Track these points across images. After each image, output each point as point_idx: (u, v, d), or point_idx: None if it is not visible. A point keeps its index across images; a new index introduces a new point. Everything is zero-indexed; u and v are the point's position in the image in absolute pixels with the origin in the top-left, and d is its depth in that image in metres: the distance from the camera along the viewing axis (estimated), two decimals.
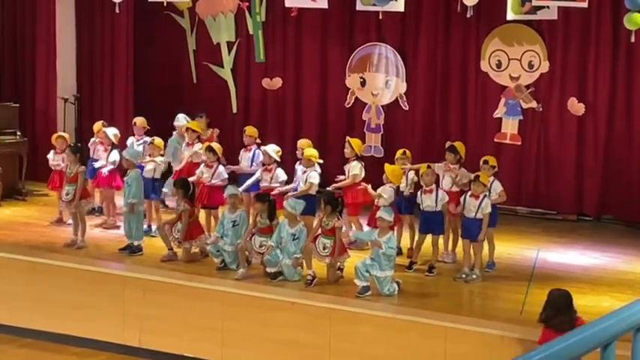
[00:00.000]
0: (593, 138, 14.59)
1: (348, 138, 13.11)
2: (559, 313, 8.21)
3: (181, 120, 14.34)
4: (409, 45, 15.68)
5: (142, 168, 12.99)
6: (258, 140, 13.81)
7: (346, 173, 12.80)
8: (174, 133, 14.31)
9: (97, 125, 14.33)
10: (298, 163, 12.99)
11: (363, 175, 12.73)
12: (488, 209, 11.31)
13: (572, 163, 14.71)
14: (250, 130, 13.92)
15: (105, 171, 13.61)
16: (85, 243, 12.47)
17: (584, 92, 14.54)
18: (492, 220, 11.58)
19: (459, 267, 11.68)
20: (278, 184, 12.62)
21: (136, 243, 12.22)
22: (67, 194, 12.71)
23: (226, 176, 12.94)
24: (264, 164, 12.97)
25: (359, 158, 12.86)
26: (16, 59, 17.12)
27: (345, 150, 12.95)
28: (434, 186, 11.78)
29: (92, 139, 14.34)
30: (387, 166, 12.12)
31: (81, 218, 12.62)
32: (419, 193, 11.88)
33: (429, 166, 11.89)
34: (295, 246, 11.11)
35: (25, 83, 17.07)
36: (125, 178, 12.53)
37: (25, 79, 17.07)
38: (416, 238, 11.99)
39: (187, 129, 13.85)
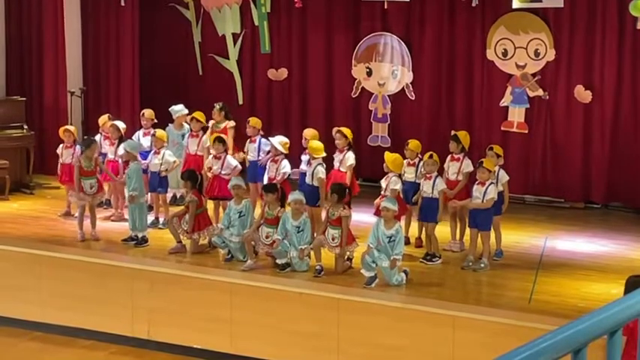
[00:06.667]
0: (600, 125, 14.55)
1: (337, 128, 12.88)
2: None
3: (179, 109, 14.31)
4: (415, 34, 15.65)
5: (144, 156, 13.02)
6: (261, 132, 13.76)
7: (337, 164, 12.53)
8: (169, 125, 14.22)
9: (103, 119, 14.29)
10: (304, 153, 12.98)
11: (354, 163, 12.60)
12: (492, 195, 11.30)
13: (580, 151, 14.68)
14: (254, 121, 13.82)
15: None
16: (97, 234, 12.53)
17: (591, 80, 14.50)
18: (496, 209, 11.57)
19: (466, 256, 11.67)
20: (281, 176, 12.51)
21: (140, 235, 12.26)
22: (91, 187, 12.67)
23: (235, 165, 12.87)
24: (268, 153, 12.95)
25: (351, 147, 12.70)
26: (23, 53, 17.08)
27: (338, 141, 12.61)
28: (435, 174, 11.76)
29: (98, 135, 14.20)
30: (387, 155, 12.09)
31: (91, 210, 12.65)
32: (422, 179, 11.89)
33: (431, 156, 11.86)
34: (300, 238, 11.11)
35: (32, 77, 17.03)
36: (126, 171, 12.57)
37: (33, 72, 17.04)
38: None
39: (192, 118, 13.84)
